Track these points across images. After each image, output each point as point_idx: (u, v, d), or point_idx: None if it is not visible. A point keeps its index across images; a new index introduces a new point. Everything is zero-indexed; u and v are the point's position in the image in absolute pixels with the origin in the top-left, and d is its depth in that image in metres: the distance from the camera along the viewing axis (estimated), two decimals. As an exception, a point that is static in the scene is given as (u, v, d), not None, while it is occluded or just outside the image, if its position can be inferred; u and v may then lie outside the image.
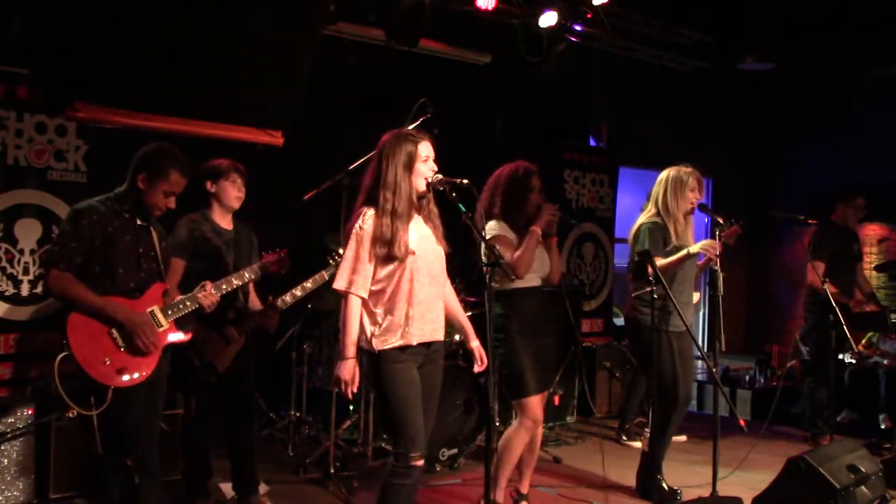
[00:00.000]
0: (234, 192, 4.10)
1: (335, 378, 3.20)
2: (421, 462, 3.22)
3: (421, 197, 3.31)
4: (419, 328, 3.23)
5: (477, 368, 3.51)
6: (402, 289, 3.21)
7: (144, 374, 3.32)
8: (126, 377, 3.26)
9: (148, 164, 3.36)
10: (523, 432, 4.08)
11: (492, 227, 4.03)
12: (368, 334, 3.23)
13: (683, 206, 4.52)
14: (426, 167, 3.27)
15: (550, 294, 4.72)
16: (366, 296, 3.22)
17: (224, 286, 3.75)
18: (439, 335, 3.34)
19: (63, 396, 3.16)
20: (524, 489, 4.29)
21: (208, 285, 3.66)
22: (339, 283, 3.21)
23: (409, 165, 3.23)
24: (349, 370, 3.17)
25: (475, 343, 3.52)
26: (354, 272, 3.19)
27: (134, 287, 3.36)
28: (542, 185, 4.16)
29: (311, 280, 4.21)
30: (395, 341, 3.21)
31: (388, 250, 3.17)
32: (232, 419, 4.16)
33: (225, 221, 4.15)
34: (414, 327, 3.22)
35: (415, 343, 3.23)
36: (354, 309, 3.20)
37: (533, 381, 4.04)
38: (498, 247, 3.92)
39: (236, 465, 4.19)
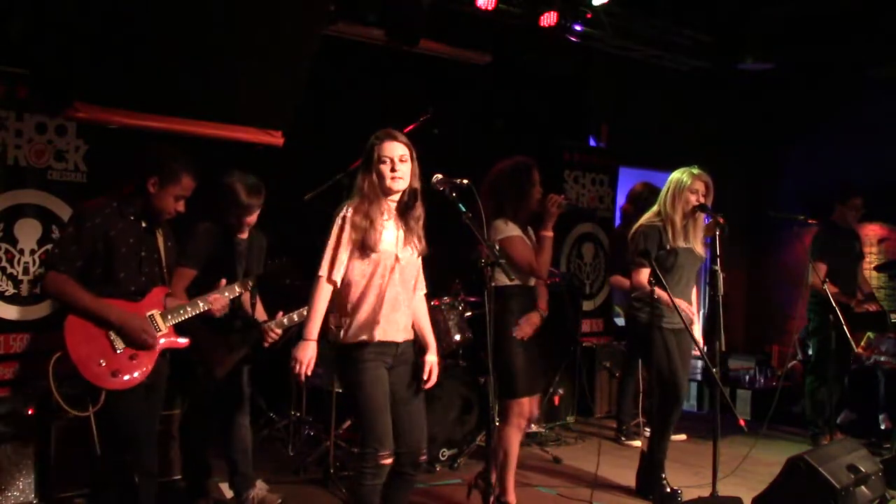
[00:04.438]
0: (245, 225, 4.09)
1: (292, 356, 3.22)
2: (390, 461, 3.24)
3: (402, 200, 3.30)
4: (384, 327, 3.27)
5: (428, 385, 3.43)
6: (374, 285, 3.26)
7: (139, 376, 3.31)
8: (120, 379, 3.26)
9: (158, 168, 3.33)
10: (515, 430, 4.10)
11: (503, 229, 4.03)
12: (337, 327, 3.26)
13: (681, 208, 4.51)
14: (386, 168, 3.23)
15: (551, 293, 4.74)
16: (339, 283, 3.25)
17: (227, 294, 3.74)
18: (406, 335, 3.37)
19: (56, 397, 3.16)
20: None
21: (221, 285, 3.67)
22: (322, 271, 3.23)
23: (368, 165, 3.25)
24: (307, 351, 3.20)
25: (431, 357, 3.43)
26: (334, 259, 3.23)
27: (135, 290, 3.36)
28: (540, 177, 4.18)
29: None
30: (361, 336, 3.24)
31: (362, 240, 3.21)
32: (225, 416, 4.17)
33: (241, 233, 4.14)
34: (380, 325, 3.25)
35: (377, 340, 3.25)
36: (324, 293, 3.25)
37: (525, 381, 4.06)
38: (517, 248, 3.95)
39: (232, 462, 4.19)
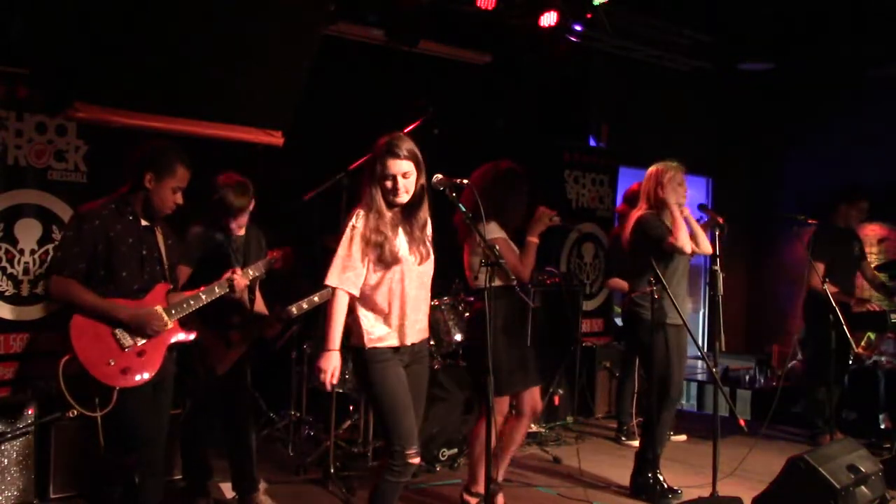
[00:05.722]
0: (236, 227, 4.10)
1: (316, 367, 3.22)
2: (417, 459, 3.27)
3: (405, 209, 3.30)
4: (405, 330, 3.31)
5: None
6: (394, 291, 3.28)
7: (149, 374, 3.33)
8: (131, 377, 3.27)
9: (152, 163, 3.35)
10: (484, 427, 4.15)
11: (493, 230, 4.06)
12: (362, 333, 3.27)
13: (674, 197, 4.56)
14: (388, 185, 3.23)
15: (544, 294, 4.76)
16: (356, 293, 3.25)
17: (252, 272, 3.79)
18: (422, 335, 3.41)
19: (69, 399, 3.17)
20: (500, 478, 4.30)
21: (239, 270, 3.71)
22: (331, 280, 3.24)
23: (374, 181, 3.25)
24: (331, 360, 3.20)
25: None
26: (345, 269, 3.23)
27: (138, 288, 3.37)
28: (529, 186, 4.24)
29: (318, 294, 4.17)
30: (387, 341, 3.28)
31: (377, 254, 3.22)
32: (231, 418, 4.17)
33: (238, 229, 4.15)
34: (401, 329, 3.30)
35: (404, 343, 3.31)
36: (342, 304, 3.24)
37: (507, 381, 4.07)
38: (500, 249, 3.98)
39: (236, 464, 4.19)
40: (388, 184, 3.23)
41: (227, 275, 3.67)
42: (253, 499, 4.20)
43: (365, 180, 3.28)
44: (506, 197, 4.10)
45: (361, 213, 3.25)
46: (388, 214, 3.27)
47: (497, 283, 4.07)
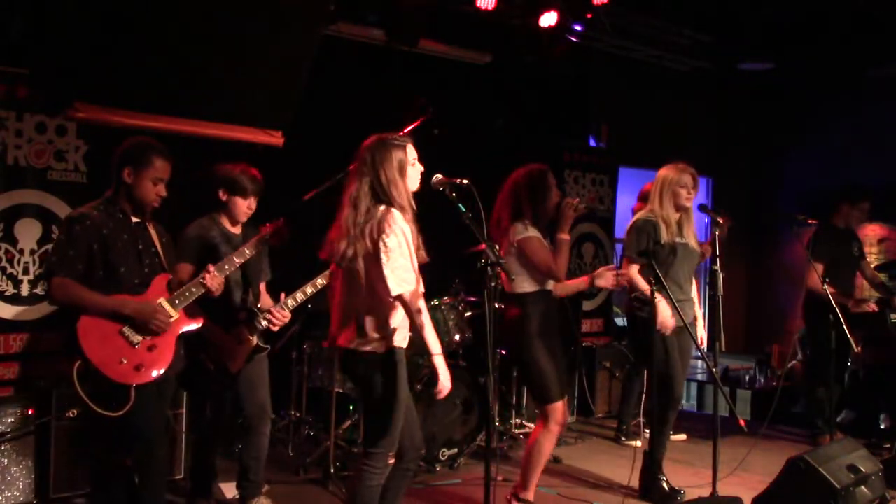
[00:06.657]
0: (244, 209, 4.11)
1: (441, 385, 3.18)
2: (392, 461, 3.26)
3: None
4: (409, 332, 3.33)
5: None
6: None
7: (162, 368, 3.34)
8: (145, 374, 3.28)
9: (129, 158, 3.39)
10: (551, 436, 4.11)
11: (521, 230, 4.06)
12: (386, 333, 3.23)
13: (672, 203, 4.58)
14: (415, 170, 3.29)
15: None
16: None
17: (227, 266, 3.66)
18: None
19: (88, 403, 3.17)
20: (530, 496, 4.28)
21: (211, 267, 3.62)
22: (406, 287, 3.14)
23: (402, 171, 3.24)
24: (447, 368, 3.22)
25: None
26: (408, 273, 3.17)
27: (138, 283, 3.38)
28: (555, 181, 4.25)
29: (322, 276, 4.18)
30: (401, 342, 3.27)
31: (416, 253, 3.22)
32: (248, 422, 4.15)
33: (234, 227, 4.16)
34: (408, 330, 3.31)
35: (406, 345, 3.32)
36: (423, 306, 3.21)
37: (557, 384, 4.07)
38: (535, 249, 3.97)
39: (244, 467, 4.18)
40: (415, 170, 3.26)
41: (201, 275, 3.56)
42: (255, 502, 4.19)
43: (388, 182, 3.20)
44: (535, 194, 4.10)
45: (399, 215, 3.18)
46: (413, 207, 3.28)
47: (532, 287, 4.06)
